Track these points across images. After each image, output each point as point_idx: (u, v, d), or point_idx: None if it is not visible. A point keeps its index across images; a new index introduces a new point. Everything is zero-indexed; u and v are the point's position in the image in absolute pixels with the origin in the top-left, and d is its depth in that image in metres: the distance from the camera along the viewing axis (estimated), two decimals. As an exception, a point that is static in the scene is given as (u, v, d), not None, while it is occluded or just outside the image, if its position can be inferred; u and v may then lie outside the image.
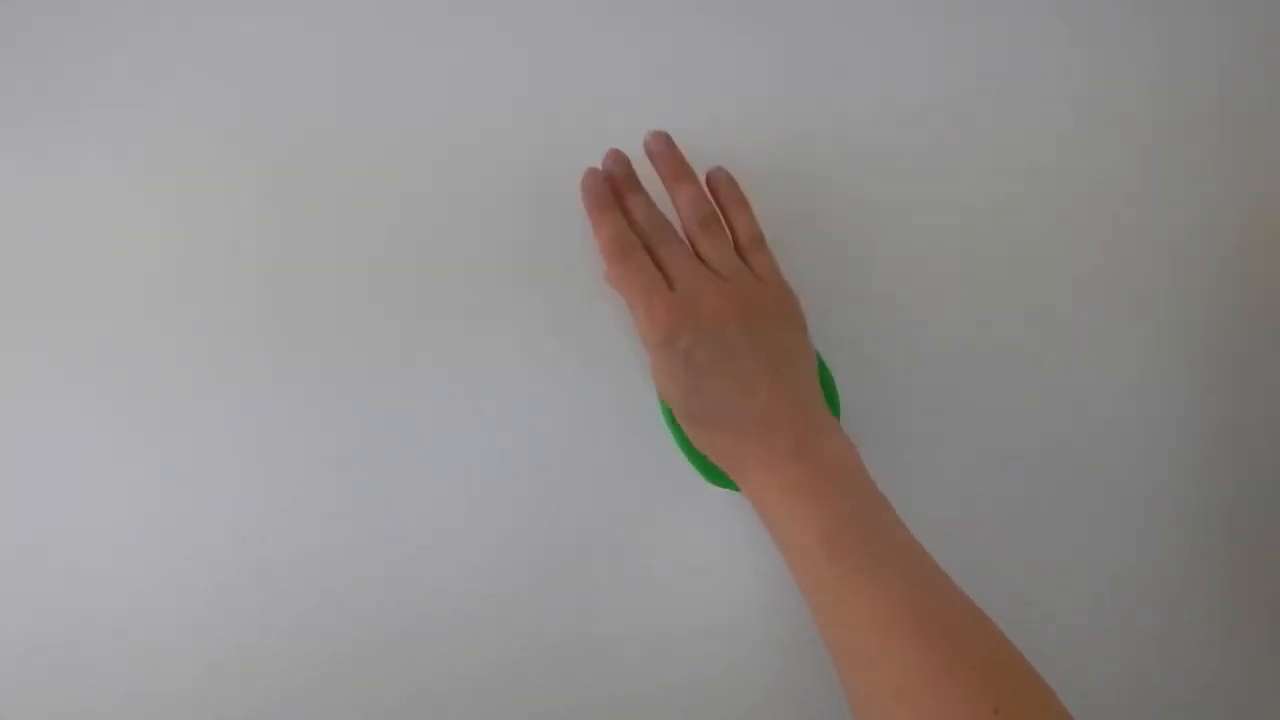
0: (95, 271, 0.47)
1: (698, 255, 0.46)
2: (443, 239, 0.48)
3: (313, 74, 0.47)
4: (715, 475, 0.48)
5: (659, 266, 0.45)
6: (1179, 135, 0.51)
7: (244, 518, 0.48)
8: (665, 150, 0.47)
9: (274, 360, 0.48)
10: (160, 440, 0.47)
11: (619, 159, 0.47)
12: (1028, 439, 0.51)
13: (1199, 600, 0.53)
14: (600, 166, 0.47)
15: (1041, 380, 0.51)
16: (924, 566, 0.39)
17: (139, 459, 0.47)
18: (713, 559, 0.50)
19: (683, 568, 0.50)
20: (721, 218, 0.47)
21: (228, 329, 0.47)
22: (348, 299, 0.48)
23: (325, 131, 0.47)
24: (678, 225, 0.47)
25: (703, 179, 0.48)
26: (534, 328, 0.49)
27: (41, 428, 0.47)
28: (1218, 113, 0.52)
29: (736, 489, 0.48)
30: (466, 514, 0.49)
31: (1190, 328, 0.52)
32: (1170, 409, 0.52)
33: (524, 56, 0.49)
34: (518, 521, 0.49)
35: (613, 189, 0.47)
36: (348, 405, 0.48)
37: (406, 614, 0.49)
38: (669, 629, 0.50)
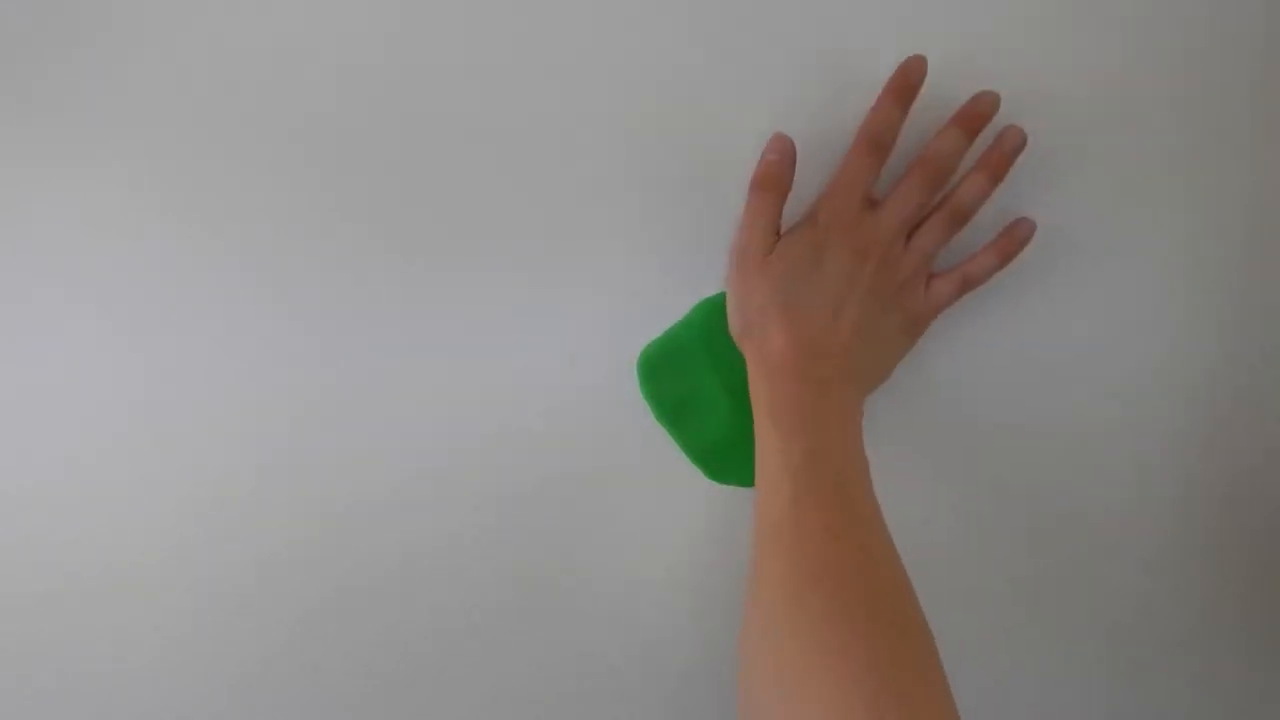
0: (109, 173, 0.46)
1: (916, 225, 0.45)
2: (439, 194, 0.47)
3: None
4: (716, 472, 0.49)
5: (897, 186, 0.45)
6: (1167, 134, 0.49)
7: (213, 481, 0.49)
8: (1014, 145, 0.45)
9: (256, 333, 0.48)
10: (141, 396, 0.49)
11: (985, 100, 0.44)
12: (1028, 434, 0.51)
13: (1196, 596, 0.53)
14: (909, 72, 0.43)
15: (1046, 376, 0.51)
16: (869, 512, 0.41)
17: (129, 400, 0.49)
18: (693, 536, 0.51)
19: (662, 543, 0.51)
20: (963, 222, 0.45)
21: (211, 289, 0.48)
22: (335, 271, 0.48)
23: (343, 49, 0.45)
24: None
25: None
26: (528, 295, 0.48)
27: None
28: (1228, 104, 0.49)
29: (737, 484, 0.49)
30: (451, 471, 0.50)
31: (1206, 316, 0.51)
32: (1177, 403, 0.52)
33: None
34: (502, 489, 0.50)
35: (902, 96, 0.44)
36: (330, 371, 0.48)
37: (388, 565, 0.50)
38: (649, 608, 0.52)
